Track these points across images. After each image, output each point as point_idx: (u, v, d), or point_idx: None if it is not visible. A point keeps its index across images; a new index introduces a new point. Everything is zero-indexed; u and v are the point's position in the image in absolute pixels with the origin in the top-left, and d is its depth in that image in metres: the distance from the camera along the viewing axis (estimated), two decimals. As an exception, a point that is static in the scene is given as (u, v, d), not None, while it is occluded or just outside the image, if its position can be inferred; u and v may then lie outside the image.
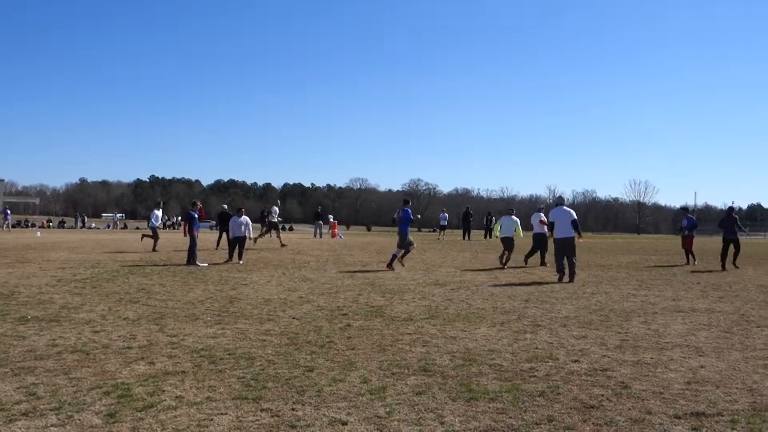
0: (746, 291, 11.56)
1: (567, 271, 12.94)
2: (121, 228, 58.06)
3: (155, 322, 7.67)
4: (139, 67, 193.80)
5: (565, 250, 13.00)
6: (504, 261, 16.05)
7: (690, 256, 18.01)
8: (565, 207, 13.48)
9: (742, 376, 5.36)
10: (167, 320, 7.79)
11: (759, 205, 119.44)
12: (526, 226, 17.62)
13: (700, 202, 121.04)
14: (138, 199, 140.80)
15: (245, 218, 16.85)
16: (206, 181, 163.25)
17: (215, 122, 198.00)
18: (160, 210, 22.51)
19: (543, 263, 16.48)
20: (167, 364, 5.59)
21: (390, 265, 14.78)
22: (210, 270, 14.21)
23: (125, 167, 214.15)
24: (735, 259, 16.68)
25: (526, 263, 16.58)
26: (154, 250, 20.28)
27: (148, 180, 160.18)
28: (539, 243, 16.63)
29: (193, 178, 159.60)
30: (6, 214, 44.64)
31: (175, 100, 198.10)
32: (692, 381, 5.20)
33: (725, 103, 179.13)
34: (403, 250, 15.23)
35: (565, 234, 13.08)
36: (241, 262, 16.03)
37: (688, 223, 18.09)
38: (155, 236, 21.37)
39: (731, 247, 16.71)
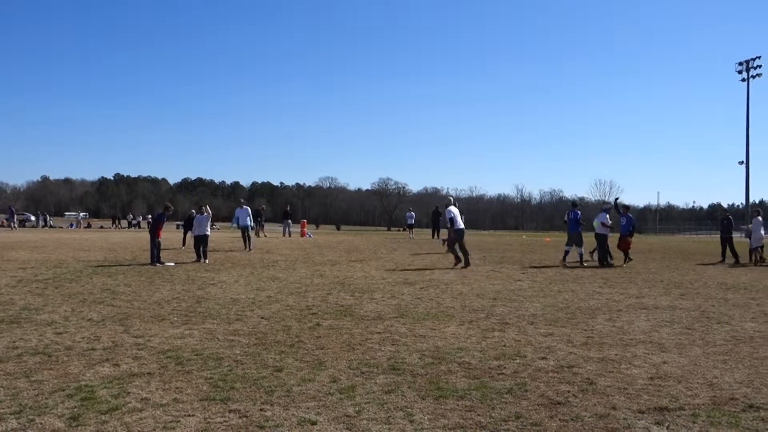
0: (707, 288, 11.86)
1: (463, 257, 15.46)
2: (85, 227, 56.79)
3: (120, 322, 7.53)
4: (103, 63, 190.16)
5: (462, 239, 15.70)
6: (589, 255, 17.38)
7: (626, 256, 17.12)
8: (454, 207, 16.01)
9: (702, 372, 5.50)
10: (133, 321, 7.65)
11: (719, 205, 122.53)
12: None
13: (663, 202, 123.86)
14: (102, 198, 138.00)
15: (206, 215, 16.71)
16: (173, 179, 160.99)
17: (182, 120, 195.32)
18: (245, 209, 22.16)
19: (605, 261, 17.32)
20: (132, 365, 5.49)
21: (582, 263, 16.55)
22: (177, 269, 14.01)
23: (89, 165, 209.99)
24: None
25: (592, 258, 17.41)
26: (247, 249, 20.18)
27: (112, 178, 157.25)
28: (602, 242, 17.09)
29: (160, 177, 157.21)
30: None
31: (142, 97, 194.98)
32: (655, 376, 5.31)
33: (689, 106, 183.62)
34: (582, 249, 17.01)
35: (462, 226, 15.76)
36: (206, 261, 15.84)
37: (627, 222, 17.43)
38: (243, 236, 20.95)
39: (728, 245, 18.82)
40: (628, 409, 4.40)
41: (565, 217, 17.80)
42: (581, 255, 16.76)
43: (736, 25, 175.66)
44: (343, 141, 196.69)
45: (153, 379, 5.05)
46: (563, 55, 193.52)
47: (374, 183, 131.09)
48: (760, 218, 18.61)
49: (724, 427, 4.08)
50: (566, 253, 16.96)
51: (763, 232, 18.77)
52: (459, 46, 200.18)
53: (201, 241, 16.18)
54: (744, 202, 60.11)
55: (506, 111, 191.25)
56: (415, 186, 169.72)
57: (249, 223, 21.56)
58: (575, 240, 16.97)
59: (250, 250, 20.06)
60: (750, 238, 18.79)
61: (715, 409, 4.44)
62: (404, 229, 55.63)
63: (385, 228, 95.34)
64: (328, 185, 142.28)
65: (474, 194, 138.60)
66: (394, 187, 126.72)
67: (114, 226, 58.75)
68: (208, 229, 16.55)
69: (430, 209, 37.31)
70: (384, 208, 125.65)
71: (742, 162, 57.98)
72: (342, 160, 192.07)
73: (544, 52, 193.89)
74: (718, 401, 4.62)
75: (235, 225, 22.83)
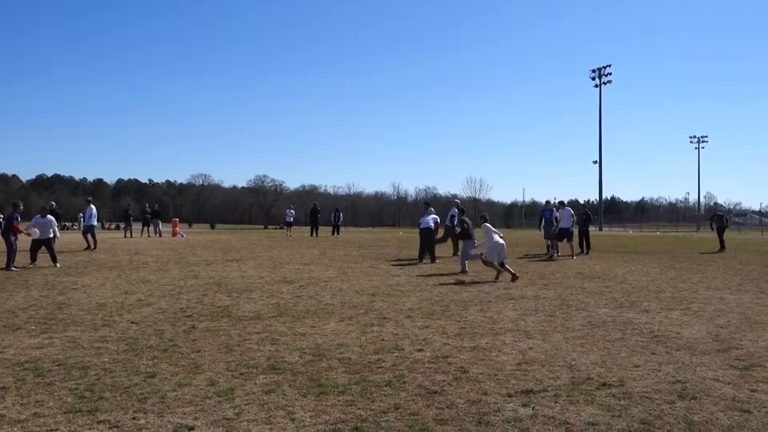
0: (567, 278, 12.83)
1: None
2: None
3: (-33, 334, 6.82)
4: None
5: None
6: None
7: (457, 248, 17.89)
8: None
9: (563, 355, 5.97)
10: (-18, 332, 6.96)
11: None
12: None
13: (528, 199, 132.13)
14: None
15: (50, 218, 15.49)
16: (26, 176, 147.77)
17: (36, 111, 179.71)
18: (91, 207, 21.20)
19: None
20: (-17, 380, 5.00)
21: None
22: (33, 274, 12.92)
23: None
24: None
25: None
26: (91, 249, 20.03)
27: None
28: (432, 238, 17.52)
29: (10, 173, 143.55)
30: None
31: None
32: (522, 362, 5.69)
33: (551, 105, 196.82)
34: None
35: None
36: (57, 265, 14.64)
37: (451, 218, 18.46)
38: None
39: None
40: (498, 394, 4.68)
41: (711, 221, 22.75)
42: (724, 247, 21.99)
43: (591, 33, 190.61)
44: (216, 137, 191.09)
45: (9, 393, 4.64)
46: (438, 51, 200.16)
47: (250, 180, 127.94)
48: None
49: (581, 404, 4.45)
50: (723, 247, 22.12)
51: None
52: (334, 44, 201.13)
53: (43, 245, 14.91)
54: (598, 199, 66.08)
55: (382, 108, 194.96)
56: (292, 183, 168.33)
57: (94, 222, 21.14)
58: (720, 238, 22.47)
59: (94, 248, 20.04)
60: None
61: (573, 388, 4.83)
62: (282, 227, 55.15)
63: (262, 226, 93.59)
64: (201, 182, 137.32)
65: (352, 191, 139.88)
66: (270, 184, 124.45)
67: None
68: (51, 233, 15.28)
69: (308, 207, 37.19)
70: (260, 206, 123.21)
71: (596, 161, 63.76)
72: (216, 157, 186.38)
73: (420, 48, 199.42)
74: (576, 381, 5.04)
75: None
